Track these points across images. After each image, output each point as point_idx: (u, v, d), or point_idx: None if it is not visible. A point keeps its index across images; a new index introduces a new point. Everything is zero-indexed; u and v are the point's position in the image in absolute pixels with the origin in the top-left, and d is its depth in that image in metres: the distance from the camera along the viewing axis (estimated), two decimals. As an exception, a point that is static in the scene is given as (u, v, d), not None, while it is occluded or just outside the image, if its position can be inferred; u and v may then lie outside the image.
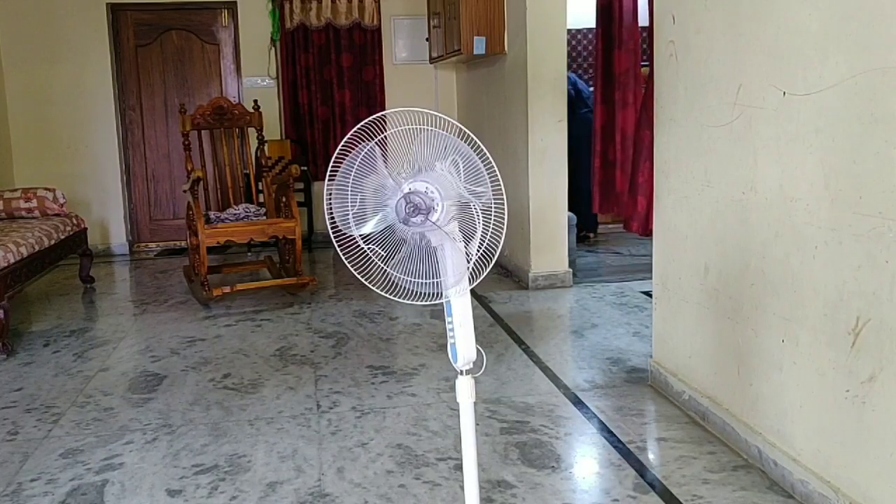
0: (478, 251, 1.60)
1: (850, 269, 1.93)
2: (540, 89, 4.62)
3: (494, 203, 1.57)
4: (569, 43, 5.27)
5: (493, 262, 1.59)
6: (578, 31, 6.85)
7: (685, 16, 2.71)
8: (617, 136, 5.03)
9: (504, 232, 1.59)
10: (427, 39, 6.14)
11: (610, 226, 6.63)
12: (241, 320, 4.34)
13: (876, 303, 1.86)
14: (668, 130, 2.88)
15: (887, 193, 1.80)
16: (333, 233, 1.60)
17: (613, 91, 5.02)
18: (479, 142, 1.55)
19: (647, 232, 4.32)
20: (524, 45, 4.59)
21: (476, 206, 1.58)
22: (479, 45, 4.92)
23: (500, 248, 1.59)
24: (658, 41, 2.93)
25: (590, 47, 6.97)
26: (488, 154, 1.55)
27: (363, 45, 6.66)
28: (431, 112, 1.55)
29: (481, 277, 1.59)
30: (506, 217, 1.58)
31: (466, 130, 1.55)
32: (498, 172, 1.55)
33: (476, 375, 1.67)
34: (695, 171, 2.70)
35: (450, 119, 1.55)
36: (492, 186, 1.55)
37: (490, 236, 1.60)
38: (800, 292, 2.15)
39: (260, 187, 5.26)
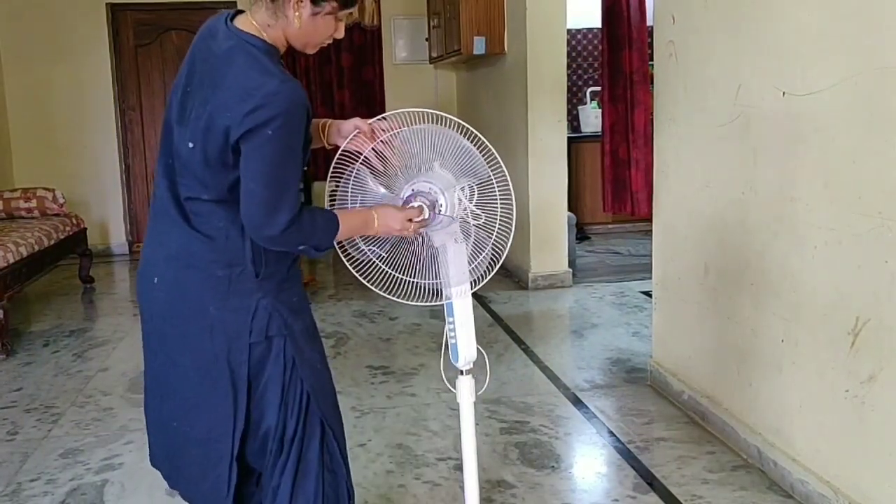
0: (481, 264, 1.60)
1: (850, 269, 1.93)
2: (540, 89, 4.61)
3: (501, 216, 1.58)
4: (569, 43, 5.26)
5: (496, 269, 1.59)
6: (578, 30, 6.84)
7: (685, 16, 2.71)
8: (630, 135, 5.05)
9: (508, 245, 1.59)
10: (427, 39, 6.13)
11: (610, 226, 6.63)
12: (241, 320, 4.33)
13: (875, 303, 1.86)
14: (668, 130, 2.88)
15: (887, 193, 1.80)
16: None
17: (623, 90, 5.04)
18: (486, 142, 1.54)
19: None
20: (524, 45, 4.59)
21: (483, 221, 1.59)
22: (479, 45, 4.92)
23: (502, 258, 1.59)
24: (658, 41, 2.93)
25: (589, 47, 6.97)
26: (502, 164, 1.55)
27: (363, 45, 6.66)
28: (431, 111, 1.55)
29: (483, 283, 1.59)
30: (512, 230, 1.58)
31: (475, 132, 1.54)
32: (510, 186, 1.56)
33: (476, 375, 1.67)
34: (695, 171, 2.70)
35: (453, 118, 1.54)
36: (501, 203, 1.56)
37: (493, 244, 1.60)
38: (799, 292, 2.15)
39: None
